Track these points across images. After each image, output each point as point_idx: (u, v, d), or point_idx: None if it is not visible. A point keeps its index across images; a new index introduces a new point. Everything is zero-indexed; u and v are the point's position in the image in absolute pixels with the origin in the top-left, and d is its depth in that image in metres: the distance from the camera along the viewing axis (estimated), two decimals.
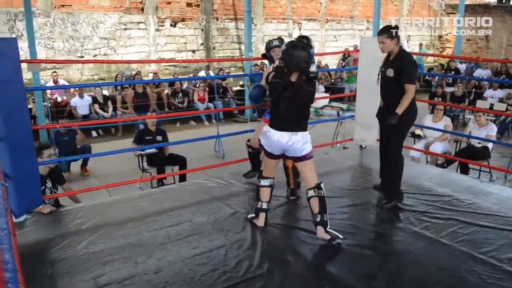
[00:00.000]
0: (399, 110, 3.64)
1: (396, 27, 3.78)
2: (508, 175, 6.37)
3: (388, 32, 3.73)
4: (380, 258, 3.02)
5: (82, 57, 11.04)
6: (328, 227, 3.19)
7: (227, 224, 3.50)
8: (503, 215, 3.66)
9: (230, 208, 3.82)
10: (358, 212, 3.84)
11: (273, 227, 3.47)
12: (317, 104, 7.59)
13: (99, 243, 3.20)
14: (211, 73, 12.04)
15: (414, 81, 3.73)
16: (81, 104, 9.53)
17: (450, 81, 11.96)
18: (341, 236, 3.20)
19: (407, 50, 13.54)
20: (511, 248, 3.13)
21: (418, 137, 6.77)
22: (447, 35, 20.15)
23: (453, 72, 12.76)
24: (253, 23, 12.93)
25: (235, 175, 4.74)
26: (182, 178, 5.76)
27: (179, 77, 11.92)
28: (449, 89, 11.27)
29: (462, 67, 14.09)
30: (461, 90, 10.55)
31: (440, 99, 9.98)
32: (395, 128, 3.70)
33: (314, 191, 3.21)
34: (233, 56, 13.90)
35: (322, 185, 3.24)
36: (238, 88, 12.34)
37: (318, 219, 3.18)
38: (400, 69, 3.68)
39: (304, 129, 3.27)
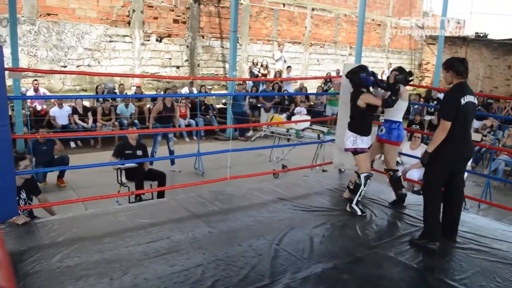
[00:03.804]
0: (429, 148, 3.57)
1: (460, 60, 3.64)
2: (481, 204, 6.52)
3: (445, 64, 3.64)
4: (356, 282, 3.05)
5: (65, 67, 10.96)
6: (354, 203, 4.30)
7: (205, 242, 3.49)
8: (476, 244, 3.74)
9: (208, 227, 3.81)
10: (335, 236, 3.88)
11: (251, 247, 3.47)
12: (298, 126, 7.69)
13: (74, 257, 3.15)
14: (194, 90, 12.08)
15: (448, 117, 3.48)
16: (60, 114, 9.41)
17: (432, 110, 12.25)
18: (359, 213, 4.26)
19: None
20: (483, 276, 3.20)
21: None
22: (426, 64, 20.71)
23: (435, 102, 13.08)
24: (238, 42, 13.07)
25: (214, 193, 4.74)
26: (161, 194, 5.72)
27: (162, 93, 11.90)
28: (428, 117, 11.52)
29: (441, 96, 14.44)
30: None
31: (418, 126, 10.20)
32: (426, 168, 3.70)
33: (357, 177, 4.37)
34: (217, 74, 13.99)
35: (363, 176, 4.30)
36: (221, 106, 12.40)
37: (348, 197, 4.56)
38: (441, 101, 3.65)
39: (350, 129, 4.39)
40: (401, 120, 4.59)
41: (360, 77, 4.33)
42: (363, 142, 4.34)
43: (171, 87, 11.12)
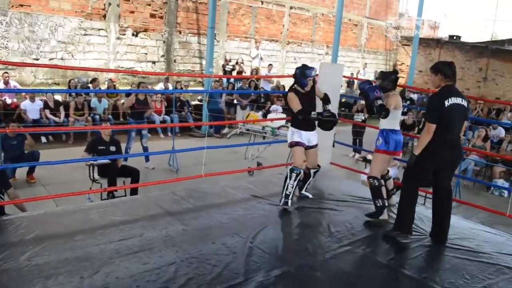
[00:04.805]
0: (416, 150, 3.63)
1: (448, 64, 3.66)
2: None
3: (433, 67, 3.68)
4: (330, 280, 3.08)
5: (38, 59, 10.69)
6: (282, 195, 4.28)
7: (178, 240, 3.46)
8: (447, 241, 3.82)
9: (182, 224, 3.77)
10: (309, 234, 3.89)
11: (225, 245, 3.45)
12: (274, 124, 7.71)
13: (43, 255, 3.07)
14: (170, 86, 11.97)
15: (431, 119, 3.53)
16: (31, 108, 9.19)
17: (405, 110, 12.45)
18: (290, 205, 4.25)
19: (362, 77, 14.02)
20: (452, 273, 3.27)
21: (369, 162, 6.98)
22: (401, 65, 21.04)
23: (408, 102, 13.32)
24: (215, 39, 13.00)
25: (188, 190, 4.71)
26: (134, 191, 5.65)
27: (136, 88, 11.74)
28: (401, 117, 11.71)
29: (415, 97, 14.72)
30: (412, 119, 11.01)
31: None
32: (407, 166, 3.79)
33: (288, 171, 4.32)
34: (193, 71, 13.89)
35: (288, 170, 4.30)
36: (196, 102, 12.33)
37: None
38: (427, 104, 3.71)
39: (291, 125, 4.42)
40: (390, 127, 4.28)
41: (295, 74, 4.37)
42: (301, 136, 4.34)
43: (146, 82, 10.98)
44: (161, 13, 12.83)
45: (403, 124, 11.13)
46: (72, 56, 11.31)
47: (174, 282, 2.83)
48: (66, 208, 4.17)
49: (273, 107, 11.52)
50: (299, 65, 4.50)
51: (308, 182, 4.72)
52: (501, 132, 10.69)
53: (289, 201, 4.28)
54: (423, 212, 4.61)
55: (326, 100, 4.58)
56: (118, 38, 12.05)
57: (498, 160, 8.90)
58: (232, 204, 4.38)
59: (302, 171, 4.35)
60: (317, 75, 5.09)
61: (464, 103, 3.60)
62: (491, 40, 21.51)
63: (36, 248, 3.16)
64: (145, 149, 7.84)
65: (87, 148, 5.98)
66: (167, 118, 10.63)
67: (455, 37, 19.73)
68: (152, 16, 12.68)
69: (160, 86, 11.98)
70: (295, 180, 4.28)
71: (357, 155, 9.69)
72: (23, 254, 3.06)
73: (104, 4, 11.61)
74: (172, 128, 9.75)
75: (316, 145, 4.54)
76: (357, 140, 10.09)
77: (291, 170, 4.29)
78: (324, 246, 3.61)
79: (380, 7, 20.14)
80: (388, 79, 4.32)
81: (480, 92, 17.83)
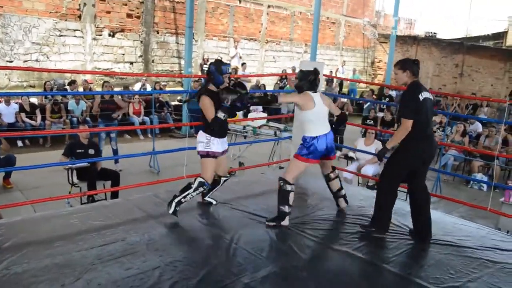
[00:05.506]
0: (389, 144, 3.67)
1: (414, 61, 3.71)
2: (432, 198, 6.74)
3: (400, 64, 3.70)
4: (315, 279, 3.06)
5: (12, 61, 10.43)
6: (175, 200, 3.86)
7: (162, 244, 3.40)
8: (430, 238, 3.84)
9: (165, 227, 3.71)
10: (294, 233, 3.87)
11: (209, 247, 3.41)
12: (255, 123, 7.68)
13: (22, 263, 2.97)
14: (148, 86, 11.82)
15: (409, 115, 3.53)
16: (6, 111, 8.97)
17: (384, 107, 12.58)
18: (171, 211, 3.82)
19: (341, 75, 14.05)
20: (436, 268, 3.29)
21: (351, 159, 7.03)
22: (379, 62, 21.27)
23: (387, 99, 13.46)
24: (194, 39, 12.91)
25: (170, 192, 4.63)
26: (114, 194, 5.55)
27: (115, 88, 11.57)
28: (380, 114, 11.83)
29: (393, 93, 14.88)
30: (390, 115, 11.10)
31: (372, 121, 10.47)
32: (387, 162, 3.77)
33: (192, 181, 3.95)
34: (172, 71, 13.76)
35: (197, 182, 3.91)
36: (176, 102, 12.22)
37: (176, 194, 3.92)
38: (400, 101, 3.73)
39: (205, 131, 3.98)
40: (311, 134, 3.91)
41: (209, 71, 3.94)
42: (217, 144, 3.95)
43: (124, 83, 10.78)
44: (138, 13, 12.67)
45: (382, 120, 11.23)
46: (48, 57, 11.08)
47: (159, 286, 2.77)
48: (45, 213, 4.07)
49: (254, 106, 11.47)
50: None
51: (215, 189, 4.34)
52: (478, 127, 10.88)
53: (178, 211, 3.89)
54: (406, 207, 4.63)
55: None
56: (94, 39, 11.86)
57: (476, 154, 9.05)
58: (215, 205, 4.33)
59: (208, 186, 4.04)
60: (295, 73, 5.06)
61: (432, 97, 3.70)
62: (466, 36, 21.91)
63: (14, 256, 3.06)
64: (114, 152, 7.74)
65: (65, 152, 5.86)
66: (147, 119, 10.50)
67: (431, 34, 20.05)
68: (129, 16, 12.52)
69: (138, 87, 11.83)
70: (197, 194, 3.98)
71: (338, 153, 9.71)
72: (0, 263, 2.96)
73: (79, 5, 11.41)
74: (152, 129, 9.64)
75: (227, 151, 4.18)
76: (338, 138, 10.13)
77: (200, 184, 3.91)
78: (309, 246, 3.59)
79: (357, 5, 20.31)
80: (306, 79, 3.94)
81: (456, 88, 18.15)
